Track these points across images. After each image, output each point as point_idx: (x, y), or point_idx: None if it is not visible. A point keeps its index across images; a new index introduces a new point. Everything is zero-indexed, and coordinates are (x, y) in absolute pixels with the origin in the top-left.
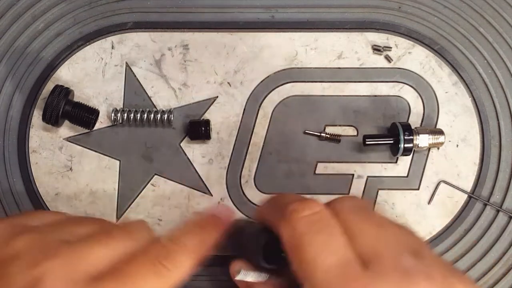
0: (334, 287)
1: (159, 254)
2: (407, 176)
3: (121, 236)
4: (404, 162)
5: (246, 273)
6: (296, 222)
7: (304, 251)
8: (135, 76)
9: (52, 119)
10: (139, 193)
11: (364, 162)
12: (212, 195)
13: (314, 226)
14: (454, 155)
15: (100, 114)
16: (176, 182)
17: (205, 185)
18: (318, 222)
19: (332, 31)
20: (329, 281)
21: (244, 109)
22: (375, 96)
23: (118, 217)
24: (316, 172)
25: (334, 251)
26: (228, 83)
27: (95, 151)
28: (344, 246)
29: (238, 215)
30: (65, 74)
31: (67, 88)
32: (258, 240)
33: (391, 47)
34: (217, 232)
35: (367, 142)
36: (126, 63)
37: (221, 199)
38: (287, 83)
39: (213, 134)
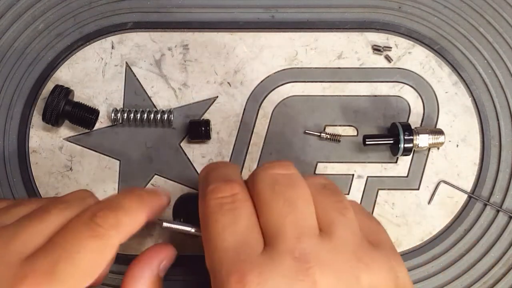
0: (227, 268)
1: (93, 214)
2: (407, 176)
3: (57, 209)
4: (404, 162)
5: (172, 223)
6: (208, 202)
7: (207, 231)
8: (135, 76)
9: (52, 119)
10: None
11: (364, 162)
12: None
13: (223, 208)
14: (454, 155)
15: (100, 114)
16: (176, 182)
17: None
18: (227, 204)
19: (332, 31)
20: (224, 262)
21: (244, 109)
22: (375, 96)
23: None
24: (316, 172)
25: (233, 233)
26: (228, 83)
27: (95, 151)
28: (247, 227)
29: None
30: (65, 74)
31: (67, 88)
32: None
33: (391, 47)
34: (154, 198)
35: (367, 142)
36: (126, 63)
37: None
38: (287, 83)
39: (213, 134)
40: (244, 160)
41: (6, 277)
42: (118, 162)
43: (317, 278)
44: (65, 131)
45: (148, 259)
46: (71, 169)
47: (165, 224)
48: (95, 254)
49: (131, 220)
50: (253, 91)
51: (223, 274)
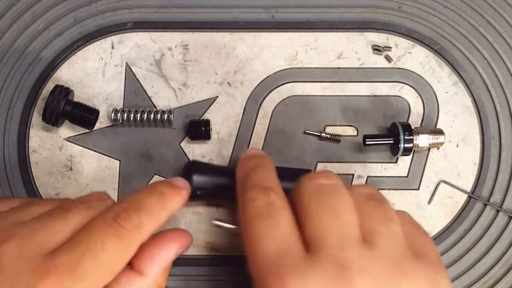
0: (270, 273)
1: (116, 215)
2: (407, 176)
3: (78, 208)
4: (404, 162)
5: (221, 222)
6: (247, 210)
7: (248, 238)
8: (135, 76)
9: (52, 119)
10: None
11: (364, 162)
12: None
13: (262, 214)
14: (454, 155)
15: (100, 114)
16: None
17: None
18: (266, 211)
19: (332, 31)
20: (265, 266)
21: (244, 109)
22: (375, 96)
23: None
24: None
25: (273, 238)
26: (228, 83)
27: (95, 151)
28: (287, 234)
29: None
30: (65, 74)
31: (67, 88)
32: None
33: (391, 47)
34: (175, 195)
35: (367, 142)
36: (126, 63)
37: None
38: (287, 83)
39: (213, 134)
40: None
41: (27, 272)
42: (118, 162)
43: (357, 285)
44: (65, 131)
45: (169, 242)
46: (71, 169)
47: (215, 223)
48: (118, 254)
49: (153, 220)
50: (253, 91)
51: (264, 278)
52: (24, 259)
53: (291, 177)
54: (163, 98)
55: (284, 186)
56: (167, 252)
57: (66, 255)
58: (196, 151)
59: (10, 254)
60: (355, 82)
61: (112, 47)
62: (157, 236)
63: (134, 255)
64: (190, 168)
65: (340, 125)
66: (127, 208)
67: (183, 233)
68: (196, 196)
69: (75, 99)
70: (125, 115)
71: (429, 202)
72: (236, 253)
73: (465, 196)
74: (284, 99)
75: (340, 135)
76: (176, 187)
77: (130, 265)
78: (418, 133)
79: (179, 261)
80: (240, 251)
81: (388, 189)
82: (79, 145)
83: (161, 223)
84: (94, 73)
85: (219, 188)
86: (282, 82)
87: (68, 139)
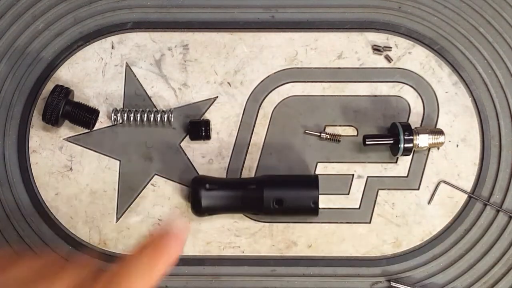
0: None
1: (108, 282)
2: (407, 176)
3: (64, 276)
4: (404, 162)
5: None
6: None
7: None
8: (135, 76)
9: (52, 119)
10: (139, 193)
11: (364, 162)
12: None
13: None
14: (454, 155)
15: (100, 114)
16: (176, 182)
17: None
18: None
19: (332, 31)
20: None
21: (244, 109)
22: (375, 96)
23: (118, 217)
24: (316, 172)
25: None
26: (228, 83)
27: (95, 151)
28: None
29: (238, 214)
30: (65, 74)
31: (67, 88)
32: None
33: (391, 47)
34: (171, 249)
35: (367, 142)
36: (126, 63)
37: None
38: (287, 83)
39: (213, 134)
40: (244, 160)
41: None
42: (118, 162)
43: None
44: (65, 131)
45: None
46: (71, 169)
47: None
48: None
49: (149, 283)
50: (253, 91)
51: None
52: None
53: (295, 184)
54: (163, 98)
55: (289, 195)
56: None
57: None
58: (196, 151)
59: None
60: (355, 82)
61: (112, 47)
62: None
63: None
64: (198, 183)
65: (340, 125)
66: (120, 275)
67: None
68: (203, 213)
69: (75, 99)
70: (125, 115)
71: (429, 202)
72: (236, 253)
73: (465, 196)
74: (284, 99)
75: (340, 135)
76: (169, 241)
77: None
78: (418, 133)
79: (179, 261)
80: (240, 251)
81: (388, 189)
82: (79, 145)
83: (158, 279)
84: (94, 73)
85: (228, 201)
86: (282, 82)
87: (68, 139)
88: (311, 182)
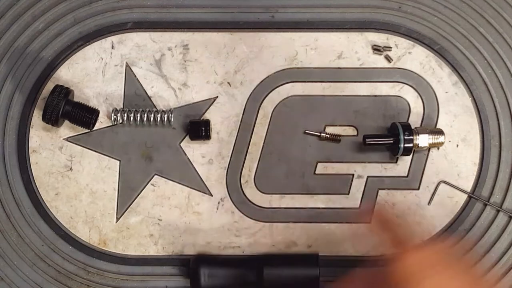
0: None
1: None
2: (407, 176)
3: None
4: (404, 162)
5: None
6: None
7: None
8: (135, 76)
9: (52, 119)
10: (139, 193)
11: (364, 162)
12: (212, 195)
13: None
14: (454, 155)
15: (100, 114)
16: (176, 182)
17: (205, 185)
18: None
19: (332, 31)
20: None
21: (244, 109)
22: (375, 96)
23: (118, 217)
24: (316, 172)
25: None
26: (228, 83)
27: (95, 151)
28: None
29: (238, 214)
30: (65, 74)
31: (67, 88)
32: None
33: (391, 47)
34: None
35: (367, 142)
36: (126, 63)
37: (221, 199)
38: (287, 83)
39: (213, 134)
40: (244, 160)
41: None
42: (118, 162)
43: None
44: (65, 131)
45: None
46: (71, 169)
47: None
48: None
49: None
50: (253, 91)
51: None
52: None
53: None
54: (163, 98)
55: (287, 273)
56: None
57: None
58: (196, 151)
59: None
60: (355, 82)
61: (112, 47)
62: None
63: None
64: (198, 262)
65: (340, 125)
66: None
67: None
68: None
69: (75, 99)
70: (125, 115)
71: (429, 202)
72: (236, 253)
73: (465, 196)
74: (284, 99)
75: (340, 135)
76: None
77: None
78: (418, 133)
79: (179, 261)
80: (240, 251)
81: (388, 189)
82: (79, 145)
83: None
84: (94, 73)
85: (228, 279)
86: (282, 82)
87: (68, 139)
88: (311, 260)
